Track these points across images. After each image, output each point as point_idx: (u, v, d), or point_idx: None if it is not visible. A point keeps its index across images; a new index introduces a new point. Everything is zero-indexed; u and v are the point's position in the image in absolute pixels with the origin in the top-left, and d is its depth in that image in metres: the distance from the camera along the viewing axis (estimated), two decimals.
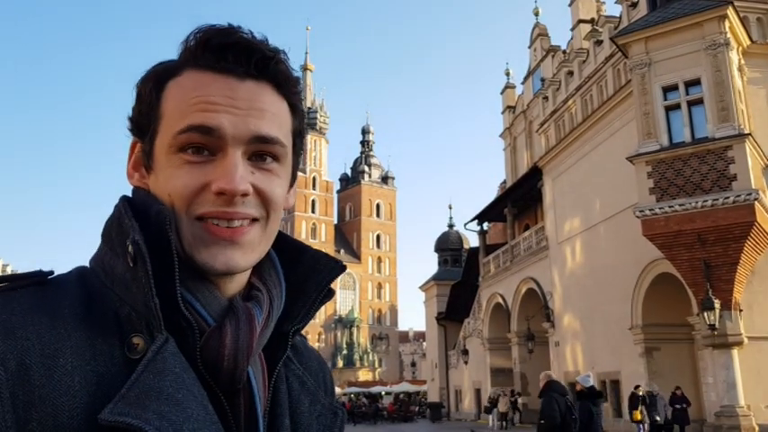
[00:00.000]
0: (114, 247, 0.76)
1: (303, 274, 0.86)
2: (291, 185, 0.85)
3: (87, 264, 0.80)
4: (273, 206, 0.79)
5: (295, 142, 0.84)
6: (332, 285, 0.87)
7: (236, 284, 0.80)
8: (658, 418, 18.44)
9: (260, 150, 0.78)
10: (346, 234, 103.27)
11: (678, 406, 18.80)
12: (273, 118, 0.79)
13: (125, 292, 0.73)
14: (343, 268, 0.88)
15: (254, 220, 0.77)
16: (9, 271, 61.08)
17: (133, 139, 0.82)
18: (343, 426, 0.91)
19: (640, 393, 18.97)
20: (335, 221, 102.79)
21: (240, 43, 0.77)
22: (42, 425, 0.64)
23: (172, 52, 0.81)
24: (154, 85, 0.78)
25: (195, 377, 0.72)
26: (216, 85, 0.76)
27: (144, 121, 0.79)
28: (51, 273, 0.75)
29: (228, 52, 0.77)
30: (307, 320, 0.86)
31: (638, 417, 18.59)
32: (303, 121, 0.86)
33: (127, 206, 0.76)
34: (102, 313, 0.72)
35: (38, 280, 0.73)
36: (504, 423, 28.52)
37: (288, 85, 0.81)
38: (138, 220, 0.74)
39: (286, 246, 0.88)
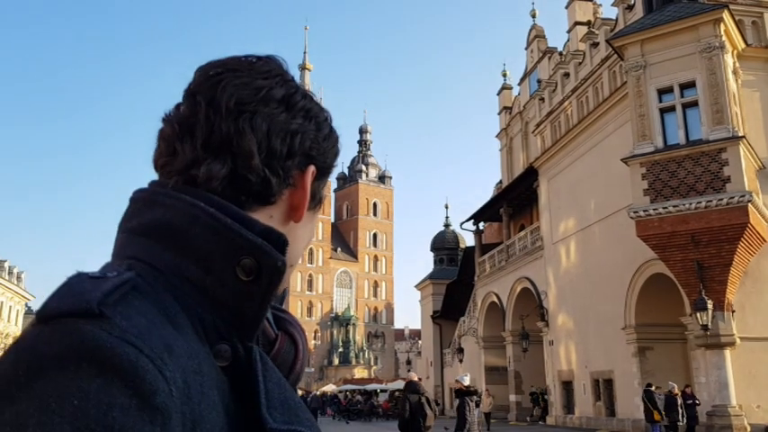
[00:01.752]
0: (190, 251, 0.72)
1: None
2: None
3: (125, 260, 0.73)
4: None
5: None
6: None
7: None
8: (680, 419, 17.77)
9: None
10: (343, 233, 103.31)
11: (690, 402, 18.17)
12: None
13: (202, 298, 0.70)
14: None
15: None
16: (6, 267, 60.74)
17: (313, 167, 0.82)
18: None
19: (655, 391, 18.48)
20: (333, 220, 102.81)
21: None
22: None
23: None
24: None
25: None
26: None
27: (329, 166, 0.86)
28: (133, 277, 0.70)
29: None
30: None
31: (657, 417, 17.98)
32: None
33: (232, 219, 0.73)
34: (195, 319, 0.69)
35: (134, 284, 0.66)
36: (487, 424, 27.52)
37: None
38: None
39: None
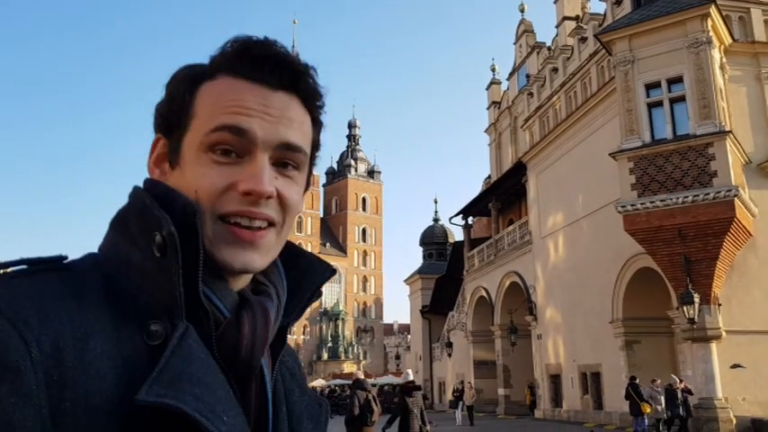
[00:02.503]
0: (131, 236, 0.78)
1: (299, 275, 0.91)
2: (305, 192, 0.91)
3: (96, 251, 0.82)
4: (291, 211, 0.84)
5: (313, 153, 0.90)
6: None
7: (243, 280, 0.84)
8: (681, 413, 17.36)
9: (284, 157, 0.83)
10: (332, 228, 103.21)
11: (685, 394, 17.83)
12: (299, 128, 0.84)
13: (142, 280, 0.75)
14: (334, 272, 0.95)
15: (271, 224, 0.82)
16: None
17: (157, 135, 0.86)
18: (327, 417, 0.96)
19: (654, 385, 18.30)
20: (321, 215, 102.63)
21: (277, 56, 0.83)
22: (74, 405, 0.66)
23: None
24: (188, 85, 0.83)
25: (215, 363, 0.75)
26: (251, 93, 0.81)
27: (174, 119, 0.83)
28: (66, 258, 0.78)
29: (265, 64, 0.82)
30: (299, 317, 0.92)
31: (647, 409, 17.79)
32: (320, 133, 0.91)
33: (150, 197, 0.77)
34: (122, 299, 0.74)
35: (59, 264, 0.76)
36: (470, 418, 27.17)
37: (314, 100, 0.87)
38: None
39: (285, 249, 0.91)
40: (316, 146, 0.90)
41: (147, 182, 0.84)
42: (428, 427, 12.07)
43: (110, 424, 0.67)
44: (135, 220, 0.78)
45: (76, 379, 0.67)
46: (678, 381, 17.66)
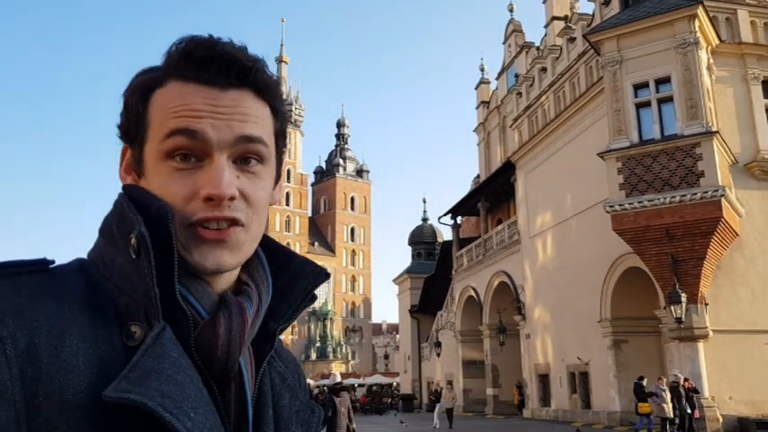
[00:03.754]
0: (114, 240, 0.79)
1: (291, 278, 0.91)
2: (277, 182, 0.90)
3: (85, 256, 0.84)
4: (257, 209, 0.83)
5: (278, 142, 0.88)
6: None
7: (225, 281, 0.84)
8: (688, 411, 17.07)
9: (245, 151, 0.82)
10: (320, 227, 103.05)
11: (692, 393, 17.58)
12: (256, 120, 0.83)
13: (124, 282, 0.77)
14: (328, 276, 0.93)
15: (238, 223, 0.81)
16: None
17: (124, 145, 0.87)
18: (320, 423, 0.95)
19: (644, 384, 18.07)
20: (310, 214, 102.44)
21: (222, 55, 0.81)
22: (48, 399, 0.68)
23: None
24: (140, 95, 0.82)
25: (191, 363, 0.75)
26: (199, 95, 0.80)
27: (132, 130, 0.83)
28: (53, 262, 0.79)
29: (211, 64, 0.80)
30: (291, 321, 0.91)
31: (647, 409, 17.57)
32: (285, 122, 0.90)
33: (129, 201, 0.79)
34: (103, 301, 0.76)
35: (42, 267, 0.77)
36: (450, 420, 25.83)
37: (268, 91, 0.85)
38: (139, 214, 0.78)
39: (276, 252, 0.92)
40: (281, 135, 0.89)
41: (127, 187, 0.84)
42: (354, 425, 12.36)
43: (82, 419, 0.68)
44: (116, 223, 0.80)
45: (51, 375, 0.68)
46: (683, 379, 17.44)
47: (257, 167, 0.83)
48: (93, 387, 0.69)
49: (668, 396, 17.17)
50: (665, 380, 17.68)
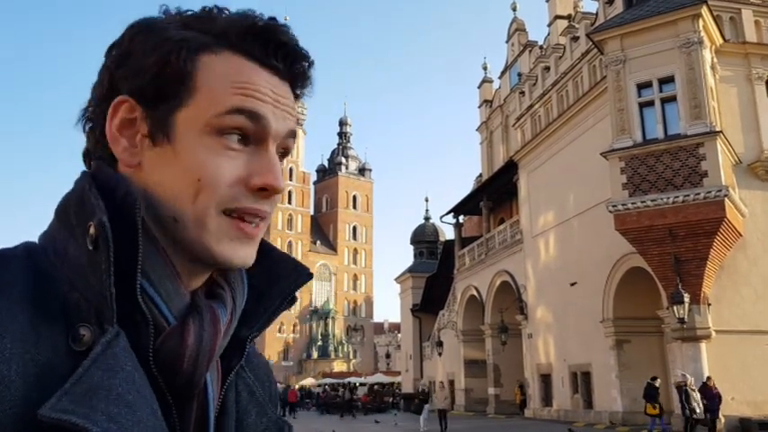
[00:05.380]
0: (70, 226, 0.69)
1: (268, 277, 0.81)
2: None
3: (36, 240, 0.74)
4: (277, 203, 0.78)
5: None
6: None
7: (201, 279, 0.76)
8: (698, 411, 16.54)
9: (285, 146, 0.77)
10: (323, 225, 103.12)
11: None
12: (295, 117, 0.79)
13: (76, 276, 0.67)
14: (310, 276, 0.85)
15: (266, 219, 0.76)
16: None
17: (121, 97, 0.73)
18: None
19: (657, 385, 17.66)
20: (312, 213, 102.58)
21: (290, 44, 0.76)
22: None
23: None
24: (189, 53, 0.72)
25: (146, 377, 0.65)
26: (262, 77, 0.74)
27: (165, 88, 0.72)
28: None
29: (279, 50, 0.75)
30: (265, 327, 0.82)
31: (654, 411, 17.20)
32: None
33: (92, 183, 0.69)
34: (49, 297, 0.66)
35: None
36: (442, 422, 22.84)
37: (303, 92, 0.81)
38: (103, 200, 0.68)
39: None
40: None
41: (95, 165, 0.75)
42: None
43: None
44: (74, 207, 0.69)
45: None
46: (706, 378, 17.22)
47: (283, 162, 0.79)
48: (27, 401, 0.59)
49: (697, 396, 16.72)
50: (692, 380, 17.12)
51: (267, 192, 0.72)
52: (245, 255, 0.73)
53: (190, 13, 0.77)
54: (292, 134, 0.77)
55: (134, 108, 0.73)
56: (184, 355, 0.69)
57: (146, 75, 0.72)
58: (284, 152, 0.78)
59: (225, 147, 0.71)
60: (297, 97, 0.81)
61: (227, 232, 0.72)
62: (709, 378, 17.30)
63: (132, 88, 0.73)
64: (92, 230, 0.65)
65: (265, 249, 0.81)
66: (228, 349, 0.77)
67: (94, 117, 0.76)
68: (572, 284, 23.13)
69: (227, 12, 0.77)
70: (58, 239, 0.70)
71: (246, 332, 0.79)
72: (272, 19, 0.77)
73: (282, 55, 0.76)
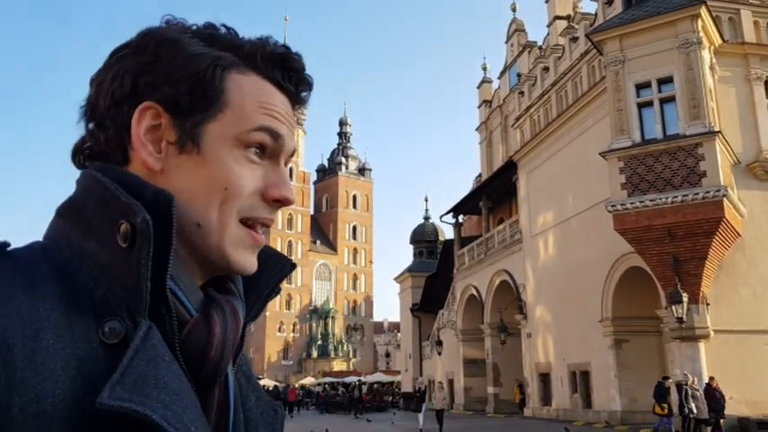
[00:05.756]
0: (84, 225, 0.72)
1: (257, 270, 0.85)
2: None
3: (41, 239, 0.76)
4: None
5: None
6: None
7: (204, 279, 0.80)
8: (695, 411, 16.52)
9: (288, 162, 0.85)
10: (323, 225, 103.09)
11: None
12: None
13: (99, 273, 0.70)
14: (294, 266, 0.90)
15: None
16: None
17: (147, 103, 0.76)
18: (282, 423, 0.90)
19: (667, 385, 17.37)
20: (312, 212, 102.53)
21: (301, 72, 0.85)
22: (24, 411, 0.60)
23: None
24: (221, 70, 0.78)
25: (179, 367, 0.69)
26: (280, 100, 0.82)
27: (199, 101, 0.77)
28: (8, 244, 0.70)
29: (293, 76, 0.84)
30: (257, 316, 0.87)
31: (663, 411, 16.98)
32: None
33: (115, 183, 0.72)
34: (77, 292, 0.68)
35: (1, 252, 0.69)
36: (440, 422, 22.54)
37: (300, 110, 0.90)
38: None
39: None
40: None
41: (100, 165, 0.77)
42: None
43: (64, 431, 0.61)
44: (95, 207, 0.72)
45: (27, 381, 0.60)
46: (709, 378, 17.22)
47: None
48: (74, 393, 0.62)
49: (702, 396, 16.74)
50: (694, 380, 17.18)
51: (280, 203, 0.80)
52: (253, 263, 0.80)
53: (195, 27, 0.82)
54: (294, 152, 0.85)
55: (160, 115, 0.76)
56: (212, 345, 0.73)
57: (179, 86, 0.76)
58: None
59: (248, 159, 0.78)
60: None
61: (243, 241, 0.78)
62: (712, 378, 17.33)
63: (162, 97, 0.76)
64: (123, 228, 0.68)
65: None
66: None
67: (108, 117, 0.77)
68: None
69: (233, 31, 0.83)
70: (70, 238, 0.72)
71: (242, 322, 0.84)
72: (288, 47, 0.84)
73: (295, 80, 0.84)
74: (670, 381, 17.32)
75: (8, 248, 0.70)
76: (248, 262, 0.79)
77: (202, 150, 0.76)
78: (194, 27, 0.82)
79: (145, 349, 0.65)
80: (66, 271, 0.70)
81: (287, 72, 0.83)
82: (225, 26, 0.83)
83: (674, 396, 17.19)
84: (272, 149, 0.80)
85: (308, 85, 0.86)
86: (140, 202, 0.69)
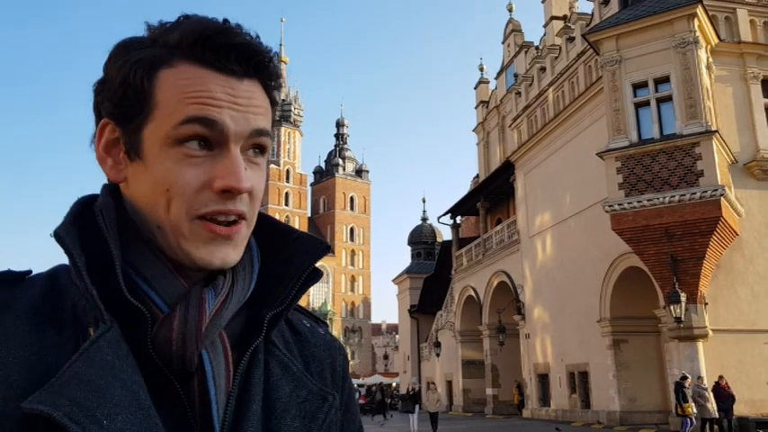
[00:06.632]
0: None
1: (287, 257, 0.86)
2: None
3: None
4: (258, 202, 0.81)
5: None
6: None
7: (203, 272, 0.80)
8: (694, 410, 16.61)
9: (255, 144, 0.80)
10: (320, 227, 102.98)
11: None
12: (265, 113, 0.81)
13: (82, 287, 0.75)
14: (328, 248, 0.89)
15: (243, 217, 0.79)
16: None
17: (103, 120, 0.80)
18: (331, 411, 0.86)
19: (686, 385, 16.92)
20: (309, 214, 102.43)
21: (243, 44, 0.78)
22: None
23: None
24: (146, 71, 0.77)
25: (133, 363, 0.72)
26: (217, 82, 0.77)
27: (132, 108, 0.77)
28: (28, 272, 0.80)
29: (231, 52, 0.77)
30: (289, 305, 0.85)
31: (689, 411, 16.61)
32: (275, 114, 0.88)
33: (76, 202, 0.81)
34: (59, 307, 0.75)
35: (2, 280, 0.77)
36: (434, 425, 21.71)
37: (274, 83, 0.83)
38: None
39: (271, 229, 0.88)
40: (273, 124, 0.86)
41: (88, 196, 0.84)
42: None
43: (10, 431, 0.67)
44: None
45: None
46: (718, 377, 17.17)
47: (260, 158, 0.81)
48: (27, 397, 0.67)
49: (711, 396, 16.74)
50: (704, 379, 17.16)
51: (230, 193, 0.76)
52: (222, 255, 0.78)
53: (155, 28, 0.81)
54: (260, 132, 0.79)
55: (115, 129, 0.79)
56: (172, 338, 0.75)
57: (114, 97, 0.78)
58: (260, 149, 0.81)
59: (186, 155, 0.75)
60: (272, 89, 0.83)
61: (200, 236, 0.76)
62: (721, 377, 17.39)
63: (108, 111, 0.79)
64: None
65: (285, 230, 0.88)
66: (248, 330, 0.83)
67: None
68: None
69: (193, 26, 0.79)
70: (81, 257, 0.78)
71: (267, 312, 0.83)
72: (225, 22, 0.79)
73: (236, 56, 0.78)
74: (689, 381, 17.10)
75: (29, 276, 0.79)
76: (213, 256, 0.77)
77: (144, 155, 0.77)
78: (156, 28, 0.81)
79: (88, 352, 0.69)
80: (61, 288, 0.77)
81: (221, 51, 0.77)
82: (185, 16, 0.80)
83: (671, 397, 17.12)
84: (213, 138, 0.76)
85: (256, 55, 0.79)
86: (93, 215, 0.78)
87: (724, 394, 17.03)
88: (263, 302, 0.84)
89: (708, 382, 17.71)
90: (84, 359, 0.69)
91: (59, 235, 0.74)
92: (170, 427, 0.73)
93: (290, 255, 0.86)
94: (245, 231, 0.80)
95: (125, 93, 0.77)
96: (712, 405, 16.80)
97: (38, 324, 0.73)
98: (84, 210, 0.80)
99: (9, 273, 0.78)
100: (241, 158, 0.77)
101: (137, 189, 0.78)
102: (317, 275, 0.86)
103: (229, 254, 0.78)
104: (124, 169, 0.79)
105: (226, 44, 0.77)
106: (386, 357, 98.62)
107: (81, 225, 0.77)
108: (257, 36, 0.81)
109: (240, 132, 0.77)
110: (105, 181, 0.83)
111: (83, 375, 0.68)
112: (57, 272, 0.80)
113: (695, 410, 16.72)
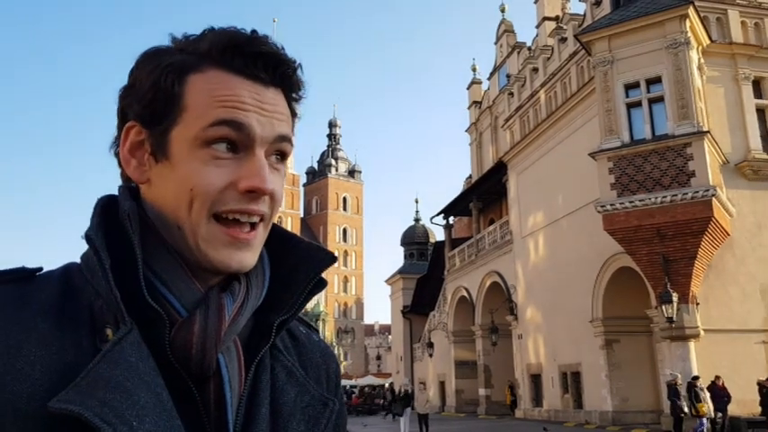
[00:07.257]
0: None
1: (294, 265, 0.89)
2: None
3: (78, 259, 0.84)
4: (277, 205, 0.83)
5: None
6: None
7: (219, 276, 0.83)
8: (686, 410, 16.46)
9: (278, 149, 0.83)
10: (313, 228, 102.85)
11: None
12: (288, 120, 0.85)
13: (100, 285, 0.77)
14: (334, 259, 0.91)
15: (262, 219, 0.82)
16: None
17: (129, 123, 0.83)
18: (333, 416, 0.90)
19: (698, 385, 16.69)
20: (302, 215, 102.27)
21: (270, 53, 0.82)
22: (1, 408, 0.68)
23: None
24: (176, 75, 0.80)
25: (154, 366, 0.74)
26: (245, 88, 0.80)
27: (161, 111, 0.80)
28: (39, 269, 0.81)
29: (259, 60, 0.81)
30: (296, 311, 0.88)
31: (703, 411, 16.38)
32: (295, 125, 0.91)
33: (99, 204, 0.82)
34: (76, 306, 0.76)
35: (18, 276, 0.78)
36: (424, 427, 21.14)
37: (297, 94, 0.87)
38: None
39: (279, 237, 0.90)
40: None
41: (108, 195, 0.86)
42: None
43: (34, 429, 0.68)
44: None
45: (5, 384, 0.68)
46: (715, 377, 17.19)
47: (281, 164, 0.84)
48: (50, 395, 0.68)
49: (707, 396, 16.68)
50: (700, 379, 16.98)
51: (255, 194, 0.79)
52: (240, 259, 0.80)
53: (181, 39, 0.85)
54: (283, 138, 0.83)
55: (141, 131, 0.82)
56: (192, 342, 0.77)
57: (143, 100, 0.81)
58: (281, 156, 0.84)
59: (213, 156, 0.78)
60: (294, 101, 0.87)
61: (219, 238, 0.79)
62: (718, 377, 17.40)
63: (136, 113, 0.82)
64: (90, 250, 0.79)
65: (294, 241, 0.91)
66: (256, 334, 0.86)
67: (117, 143, 0.86)
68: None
69: (208, 30, 0.84)
70: (89, 255, 0.80)
71: (274, 318, 0.86)
72: (253, 32, 0.83)
73: (263, 64, 0.82)
74: (700, 381, 16.95)
75: (39, 273, 0.80)
76: (231, 260, 0.79)
77: (171, 156, 0.80)
78: (181, 39, 0.85)
79: (112, 353, 0.71)
80: (77, 287, 0.78)
81: (249, 58, 0.81)
82: (212, 28, 0.84)
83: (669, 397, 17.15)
84: (240, 141, 0.79)
85: (283, 64, 0.83)
86: (119, 218, 0.79)
87: (720, 394, 17.06)
88: (271, 308, 0.86)
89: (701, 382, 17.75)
90: (108, 360, 0.71)
91: (90, 237, 0.77)
92: (187, 431, 0.74)
93: (297, 263, 0.89)
94: (262, 234, 0.83)
95: (155, 95, 0.80)
96: (709, 405, 16.82)
97: (57, 322, 0.74)
98: (105, 211, 0.82)
99: (23, 269, 0.79)
100: (265, 161, 0.80)
101: (160, 190, 0.81)
102: (322, 284, 0.88)
103: (247, 257, 0.80)
104: (148, 171, 0.82)
105: (254, 52, 0.81)
106: (378, 358, 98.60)
107: (105, 227, 0.80)
108: (283, 47, 0.85)
109: (266, 136, 0.80)
110: (103, 182, 0.87)
111: (109, 377, 0.70)
112: (70, 270, 0.81)
113: (710, 411, 16.47)
